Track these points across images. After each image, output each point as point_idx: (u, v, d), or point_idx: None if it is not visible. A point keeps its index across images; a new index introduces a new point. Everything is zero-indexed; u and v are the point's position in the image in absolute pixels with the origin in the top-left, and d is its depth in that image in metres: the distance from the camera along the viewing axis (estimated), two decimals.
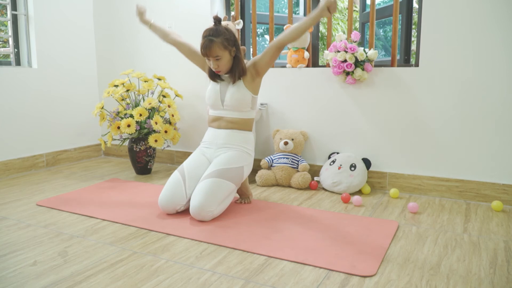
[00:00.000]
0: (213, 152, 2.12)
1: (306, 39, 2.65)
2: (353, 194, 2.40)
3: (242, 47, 2.61)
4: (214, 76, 2.14)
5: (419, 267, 1.49)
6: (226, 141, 2.10)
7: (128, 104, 2.78)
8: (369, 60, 2.41)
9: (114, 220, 1.95)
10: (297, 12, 3.55)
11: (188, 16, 3.00)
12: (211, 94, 2.12)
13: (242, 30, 3.00)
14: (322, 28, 6.20)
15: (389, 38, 3.93)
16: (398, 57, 2.60)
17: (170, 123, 2.83)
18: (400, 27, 2.61)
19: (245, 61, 2.14)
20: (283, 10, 5.31)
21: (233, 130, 2.11)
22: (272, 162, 2.62)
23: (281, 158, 2.59)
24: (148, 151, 2.84)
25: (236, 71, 2.07)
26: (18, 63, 3.01)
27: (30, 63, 3.03)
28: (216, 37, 1.97)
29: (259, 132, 2.84)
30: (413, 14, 2.67)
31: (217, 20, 2.03)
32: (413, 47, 2.80)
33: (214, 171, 1.98)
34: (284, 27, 2.72)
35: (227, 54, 2.01)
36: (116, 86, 2.82)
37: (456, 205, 2.23)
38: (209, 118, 2.20)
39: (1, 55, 3.07)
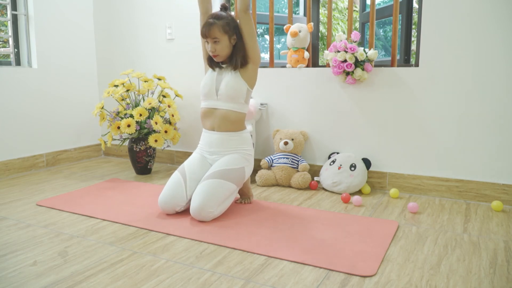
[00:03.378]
0: (213, 158, 2.11)
1: (306, 39, 2.65)
2: (353, 194, 2.40)
3: None
4: (212, 63, 2.12)
5: (419, 267, 1.49)
6: (222, 149, 2.09)
7: (128, 104, 2.78)
8: (369, 60, 2.41)
9: (114, 220, 1.95)
10: (297, 12, 3.54)
11: (188, 16, 3.00)
12: (207, 82, 2.10)
13: None
14: (322, 28, 6.21)
15: (389, 38, 3.93)
16: (398, 57, 2.60)
17: (170, 123, 2.83)
18: (400, 27, 2.61)
19: None
20: (283, 10, 5.31)
21: (227, 133, 2.08)
22: (272, 162, 2.62)
23: (281, 158, 2.59)
24: (148, 151, 2.84)
25: (238, 59, 2.05)
26: (18, 63, 3.01)
27: (30, 63, 3.03)
28: (218, 20, 2.00)
29: (259, 132, 2.84)
30: (413, 14, 2.67)
31: (224, 7, 2.08)
32: (413, 47, 2.80)
33: (215, 172, 1.98)
34: (284, 27, 2.73)
35: (226, 39, 2.01)
36: (116, 86, 2.82)
37: (456, 205, 2.23)
38: (201, 113, 2.15)
39: (1, 55, 3.08)
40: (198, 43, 2.97)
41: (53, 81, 3.13)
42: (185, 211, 2.04)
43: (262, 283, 1.38)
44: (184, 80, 3.07)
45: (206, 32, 2.00)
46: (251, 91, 2.12)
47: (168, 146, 2.99)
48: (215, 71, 2.14)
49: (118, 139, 2.80)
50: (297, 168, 2.57)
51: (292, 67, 2.69)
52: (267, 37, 5.55)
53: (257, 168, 2.73)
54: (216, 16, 2.02)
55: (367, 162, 2.47)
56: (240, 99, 2.07)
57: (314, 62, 2.81)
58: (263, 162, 2.63)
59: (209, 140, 2.13)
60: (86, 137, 3.39)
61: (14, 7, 2.95)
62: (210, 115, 2.11)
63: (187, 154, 3.11)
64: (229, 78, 2.06)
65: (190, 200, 2.00)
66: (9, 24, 2.96)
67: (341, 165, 2.44)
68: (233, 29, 2.04)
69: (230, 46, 2.05)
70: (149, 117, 2.73)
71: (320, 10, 2.93)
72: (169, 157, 3.22)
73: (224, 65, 2.13)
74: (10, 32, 2.97)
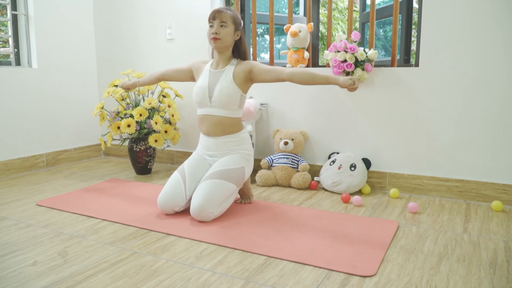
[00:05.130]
0: (213, 159, 2.11)
1: (306, 39, 2.65)
2: (353, 194, 2.40)
3: None
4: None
5: (419, 267, 1.49)
6: (221, 151, 2.09)
7: (128, 104, 2.78)
8: (369, 60, 2.41)
9: (114, 220, 1.95)
10: (297, 12, 3.54)
11: (188, 16, 3.00)
12: (199, 90, 2.10)
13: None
14: (322, 28, 6.20)
15: (389, 38, 3.93)
16: (398, 57, 2.60)
17: (170, 123, 2.84)
18: (400, 27, 2.61)
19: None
20: (283, 10, 5.31)
21: (225, 137, 2.08)
22: (272, 162, 2.62)
23: (281, 158, 2.59)
24: (148, 151, 2.84)
25: (240, 51, 2.12)
26: (18, 63, 3.01)
27: (30, 63, 3.03)
28: (228, 10, 2.07)
29: (259, 132, 2.84)
30: (413, 14, 2.67)
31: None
32: (413, 47, 2.80)
33: (215, 172, 1.98)
34: (284, 27, 2.73)
35: (231, 29, 2.05)
36: (116, 86, 2.82)
37: (456, 205, 2.23)
38: (198, 119, 2.16)
39: (1, 55, 3.08)
40: (198, 43, 2.97)
41: (53, 81, 3.13)
42: (185, 211, 2.04)
43: (262, 283, 1.38)
44: None
45: (216, 14, 2.03)
46: (245, 96, 2.12)
47: (168, 146, 2.99)
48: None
49: (118, 139, 2.80)
50: (297, 168, 2.57)
51: (292, 67, 2.69)
52: (267, 37, 5.55)
53: (257, 168, 2.73)
54: (226, 8, 2.07)
55: (367, 162, 2.47)
56: (234, 105, 2.06)
57: (314, 62, 2.81)
58: (263, 162, 2.63)
59: (207, 144, 2.12)
60: (86, 137, 3.39)
61: (14, 7, 2.95)
62: (205, 121, 2.10)
63: (187, 154, 3.11)
64: (223, 85, 2.05)
65: (189, 200, 2.00)
66: (9, 24, 2.96)
67: (341, 165, 2.44)
68: (239, 25, 2.08)
69: (233, 39, 2.07)
70: (149, 117, 2.74)
71: (320, 10, 2.93)
72: (169, 157, 3.22)
73: (213, 71, 2.12)
74: (10, 32, 2.97)
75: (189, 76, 2.28)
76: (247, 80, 2.09)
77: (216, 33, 2.02)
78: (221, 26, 2.03)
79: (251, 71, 2.06)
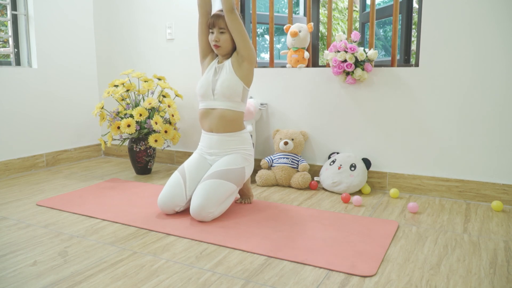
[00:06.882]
0: (213, 159, 2.11)
1: (306, 39, 2.65)
2: (353, 194, 2.40)
3: None
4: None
5: (419, 267, 1.49)
6: (222, 150, 2.09)
7: (128, 104, 2.78)
8: (369, 60, 2.41)
9: (114, 220, 1.95)
10: (297, 12, 3.55)
11: (188, 16, 3.00)
12: (203, 83, 2.11)
13: None
14: (322, 28, 6.21)
15: (389, 38, 3.93)
16: (398, 57, 2.60)
17: (170, 123, 2.84)
18: (400, 27, 2.61)
19: None
20: (283, 10, 5.30)
21: (226, 134, 2.08)
22: (272, 162, 2.62)
23: (281, 158, 2.59)
24: (148, 151, 2.84)
25: None
26: (18, 63, 3.01)
27: (30, 63, 3.03)
28: None
29: (259, 132, 2.84)
30: (413, 14, 2.67)
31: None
32: (413, 47, 2.80)
33: (215, 172, 1.98)
34: (284, 27, 2.73)
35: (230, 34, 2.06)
36: (116, 86, 2.82)
37: (456, 205, 2.23)
38: (199, 114, 2.16)
39: (1, 55, 3.08)
40: (197, 43, 2.97)
41: (53, 81, 3.13)
42: (185, 211, 2.04)
43: (262, 283, 1.38)
44: (184, 80, 3.07)
45: (215, 21, 2.04)
46: (247, 90, 2.12)
47: (168, 146, 2.99)
48: (214, 59, 2.16)
49: (118, 139, 2.80)
50: (297, 168, 2.57)
51: (292, 67, 2.69)
52: (267, 37, 5.55)
53: (257, 168, 2.73)
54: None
55: (367, 162, 2.47)
56: (236, 97, 2.07)
57: (314, 62, 2.81)
58: (263, 162, 2.63)
59: (209, 142, 2.12)
60: (86, 137, 3.39)
61: (14, 7, 2.95)
62: (208, 115, 2.11)
63: (187, 154, 3.11)
64: (224, 77, 2.06)
65: (189, 200, 2.00)
66: (9, 24, 2.96)
67: (341, 165, 2.44)
68: None
69: (232, 43, 2.08)
70: (149, 117, 2.73)
71: (320, 10, 2.93)
72: (169, 157, 3.22)
73: (219, 65, 2.13)
74: (10, 32, 2.97)
75: (204, 45, 2.18)
76: (240, 62, 2.07)
77: (217, 40, 2.05)
78: (221, 32, 2.05)
79: (236, 51, 2.10)
